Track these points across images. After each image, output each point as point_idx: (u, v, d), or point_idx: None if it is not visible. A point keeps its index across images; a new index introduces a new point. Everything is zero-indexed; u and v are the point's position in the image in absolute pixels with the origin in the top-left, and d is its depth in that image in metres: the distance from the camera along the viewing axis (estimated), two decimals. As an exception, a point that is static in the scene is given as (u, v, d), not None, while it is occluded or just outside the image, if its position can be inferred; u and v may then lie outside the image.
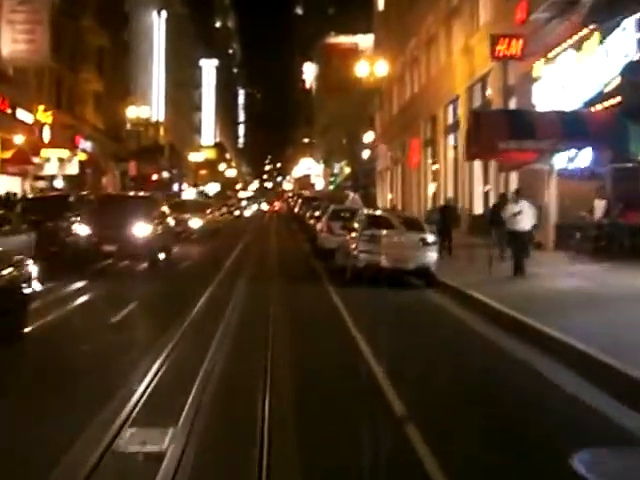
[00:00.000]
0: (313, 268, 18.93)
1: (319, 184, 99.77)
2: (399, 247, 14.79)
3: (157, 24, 76.62)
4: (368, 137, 61.01)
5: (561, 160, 19.63)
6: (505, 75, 25.44)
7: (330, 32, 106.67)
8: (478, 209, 29.00)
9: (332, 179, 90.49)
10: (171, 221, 20.26)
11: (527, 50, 21.84)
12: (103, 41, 49.10)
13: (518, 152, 15.79)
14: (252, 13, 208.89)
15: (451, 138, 33.83)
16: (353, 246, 15.14)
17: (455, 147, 32.73)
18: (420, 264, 14.66)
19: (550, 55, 20.38)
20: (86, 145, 45.33)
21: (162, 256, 18.54)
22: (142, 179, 63.52)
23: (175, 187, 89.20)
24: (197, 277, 16.60)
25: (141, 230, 17.27)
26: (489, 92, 27.73)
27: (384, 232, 15.05)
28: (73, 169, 38.91)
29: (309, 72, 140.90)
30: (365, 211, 17.72)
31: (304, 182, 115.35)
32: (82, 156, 40.05)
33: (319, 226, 22.19)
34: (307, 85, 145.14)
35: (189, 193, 44.33)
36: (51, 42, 38.01)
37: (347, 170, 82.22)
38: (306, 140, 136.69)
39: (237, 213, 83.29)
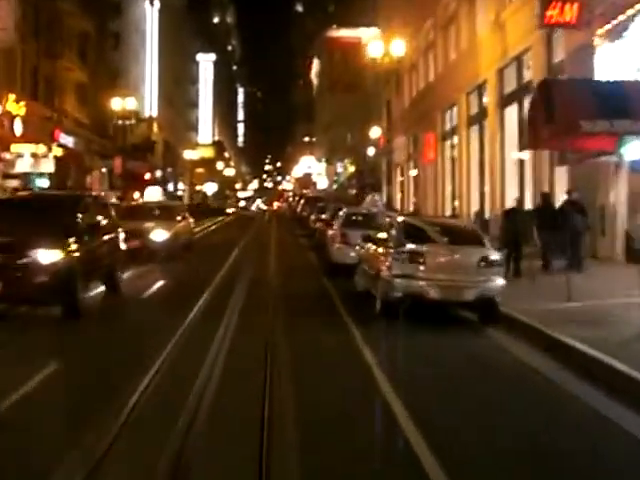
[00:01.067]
0: (325, 292, 14.46)
1: (322, 183, 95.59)
2: (452, 270, 10.52)
3: (150, 14, 72.48)
4: (375, 132, 56.94)
5: (635, 150, 15.50)
6: (550, 51, 21.35)
7: (332, 25, 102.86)
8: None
9: (336, 178, 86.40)
10: (120, 235, 13.85)
11: (583, 17, 17.83)
12: (87, 27, 45.00)
13: (606, 136, 11.64)
14: (251, 10, 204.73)
15: (475, 129, 29.71)
16: (384, 267, 10.97)
17: (481, 139, 28.66)
18: (482, 294, 10.41)
19: (619, 19, 16.27)
20: (68, 140, 41.31)
21: (99, 290, 12.81)
22: (132, 177, 59.60)
23: (170, 186, 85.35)
24: (149, 330, 10.06)
25: (46, 255, 10.29)
26: (526, 72, 23.60)
27: (429, 248, 10.80)
28: (49, 166, 34.81)
29: (310, 69, 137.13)
30: (401, 218, 12.89)
31: (305, 181, 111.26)
32: (58, 151, 35.90)
33: (330, 233, 17.75)
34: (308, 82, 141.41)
35: (152, 192, 33.74)
36: (22, 23, 34.13)
37: (351, 169, 78.20)
38: (307, 139, 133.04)
39: (231, 210, 79.26)
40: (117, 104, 42.63)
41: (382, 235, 11.96)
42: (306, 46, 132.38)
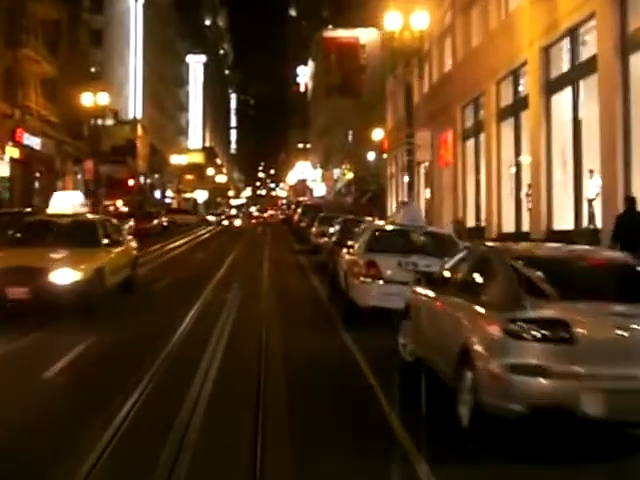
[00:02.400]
0: (348, 360, 8.97)
1: (318, 190, 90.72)
2: (626, 357, 5.39)
3: (133, 10, 67.64)
4: (377, 134, 52.31)
5: None
6: (623, 16, 16.48)
7: (327, 26, 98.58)
8: (560, 222, 20.01)
9: (335, 184, 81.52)
10: None
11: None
12: (57, 15, 40.01)
13: None
14: (244, 14, 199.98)
15: (507, 124, 24.81)
16: (479, 342, 5.85)
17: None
18: None
19: None
20: (33, 141, 36.40)
21: None
22: (113, 184, 54.75)
23: (157, 194, 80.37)
24: None
25: None
26: (583, 49, 18.78)
27: (580, 313, 5.53)
28: (3, 169, 29.88)
29: (303, 74, 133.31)
30: (502, 246, 7.33)
31: (300, 188, 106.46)
32: (14, 152, 30.90)
33: (347, 259, 12.32)
34: (302, 88, 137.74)
35: (63, 199, 14.96)
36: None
37: (349, 175, 73.45)
38: (301, 145, 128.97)
39: (226, 223, 73.95)
40: (88, 100, 37.57)
41: (456, 275, 6.86)
42: (300, 50, 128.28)
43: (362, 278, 10.88)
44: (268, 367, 8.55)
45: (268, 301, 14.50)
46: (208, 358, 8.86)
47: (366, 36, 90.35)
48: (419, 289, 7.72)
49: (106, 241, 13.65)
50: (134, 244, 15.98)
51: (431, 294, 7.38)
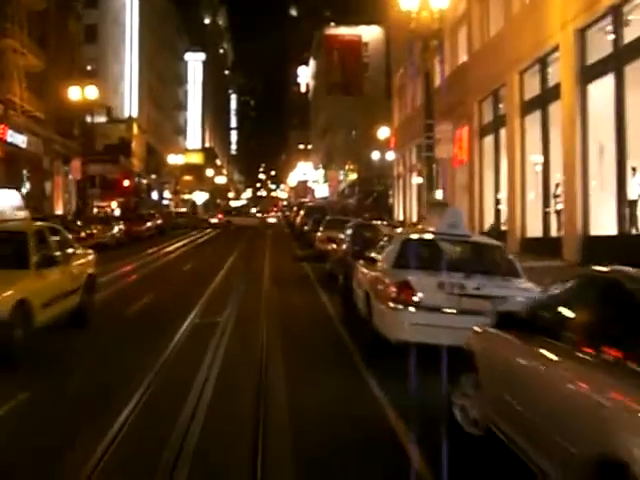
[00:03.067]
0: (387, 432, 6.13)
1: (320, 191, 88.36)
2: None
3: (129, 4, 65.28)
4: (383, 132, 50.12)
5: None
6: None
7: (329, 23, 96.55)
8: (598, 227, 17.66)
9: (341, 182, 79.16)
10: None
11: None
12: (44, 5, 37.69)
13: None
14: (244, 13, 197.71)
15: (532, 119, 22.47)
16: None
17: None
18: None
19: None
20: (18, 139, 34.12)
21: None
22: (107, 185, 52.56)
23: (154, 195, 77.99)
24: None
25: None
26: (627, 30, 16.45)
27: None
28: (-19, 168, 27.63)
29: (304, 75, 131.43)
30: None
31: (301, 189, 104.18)
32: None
33: (371, 276, 9.53)
34: (303, 88, 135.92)
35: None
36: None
37: (353, 175, 71.21)
38: (301, 146, 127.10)
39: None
40: (75, 94, 35.10)
41: (569, 320, 4.34)
42: (301, 50, 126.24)
43: (391, 303, 8.22)
44: (268, 436, 6.11)
45: (269, 324, 11.83)
46: (180, 430, 6.10)
47: (369, 34, 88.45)
48: (491, 331, 5.33)
49: (40, 259, 9.82)
50: (91, 258, 12.40)
51: (523, 346, 4.89)
